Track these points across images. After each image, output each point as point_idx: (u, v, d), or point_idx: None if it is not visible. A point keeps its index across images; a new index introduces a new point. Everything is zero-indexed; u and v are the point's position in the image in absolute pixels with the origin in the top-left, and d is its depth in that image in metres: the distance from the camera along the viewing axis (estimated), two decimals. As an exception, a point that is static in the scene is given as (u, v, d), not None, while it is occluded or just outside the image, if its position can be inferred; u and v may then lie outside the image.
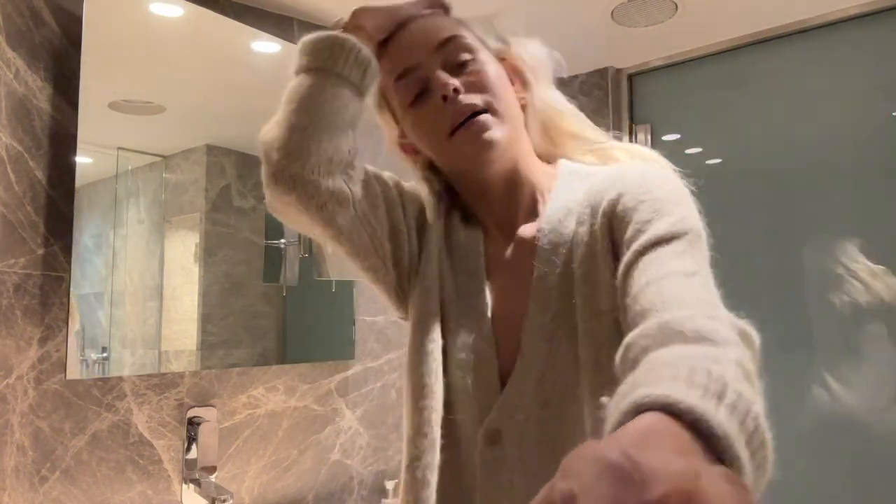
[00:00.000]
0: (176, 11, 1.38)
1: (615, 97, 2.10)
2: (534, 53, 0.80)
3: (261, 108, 0.83)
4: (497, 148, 0.73)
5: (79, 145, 1.22)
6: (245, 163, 1.51)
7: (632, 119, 2.10)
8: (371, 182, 0.79)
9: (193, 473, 1.35)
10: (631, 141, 2.08)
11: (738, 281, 2.07)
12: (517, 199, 0.79)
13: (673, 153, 0.83)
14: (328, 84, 0.74)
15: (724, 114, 1.95)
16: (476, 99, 0.72)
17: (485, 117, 0.72)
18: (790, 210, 1.82)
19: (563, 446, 0.70)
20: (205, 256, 1.42)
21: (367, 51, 0.74)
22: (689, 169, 0.79)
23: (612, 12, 1.72)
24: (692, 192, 0.75)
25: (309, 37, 0.76)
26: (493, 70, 0.75)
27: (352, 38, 0.74)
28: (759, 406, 0.42)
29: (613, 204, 0.70)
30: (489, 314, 0.77)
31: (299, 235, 1.58)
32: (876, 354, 1.66)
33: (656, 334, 0.52)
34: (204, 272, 1.42)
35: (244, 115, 1.55)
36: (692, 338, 0.50)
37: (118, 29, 1.30)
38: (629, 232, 0.66)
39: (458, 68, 0.74)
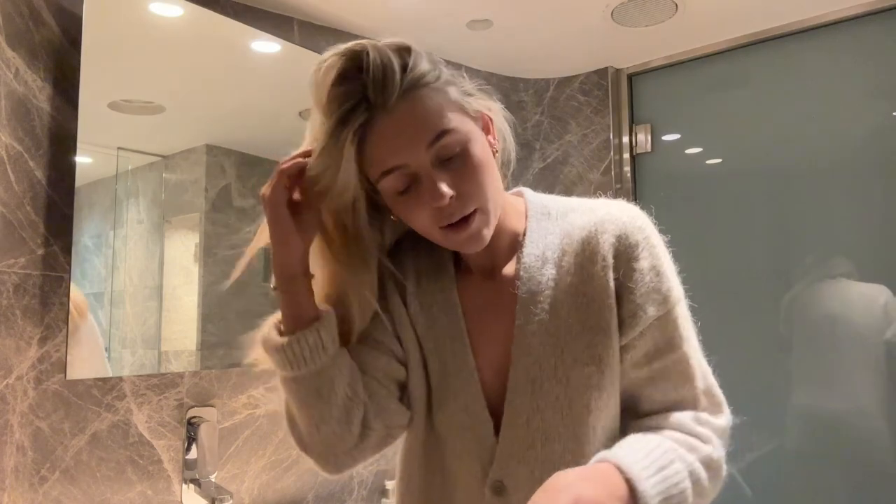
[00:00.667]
0: (176, 11, 1.38)
1: (615, 97, 2.10)
2: (488, 102, 0.78)
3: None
4: (484, 242, 0.74)
5: (79, 145, 1.22)
6: (245, 162, 1.51)
7: (632, 119, 2.10)
8: (386, 392, 0.80)
9: (193, 473, 1.35)
10: (631, 141, 2.08)
11: (737, 281, 2.08)
12: (497, 246, 0.80)
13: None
14: (306, 383, 0.74)
15: (724, 114, 1.95)
16: (469, 206, 0.71)
17: (477, 222, 0.72)
18: (790, 210, 1.82)
19: None
20: (205, 256, 1.42)
21: (318, 335, 0.73)
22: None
23: (612, 12, 1.72)
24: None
25: (269, 343, 0.76)
26: (478, 152, 0.72)
27: (299, 335, 0.73)
28: (690, 488, 0.68)
29: (612, 266, 0.76)
30: (476, 373, 0.79)
31: (299, 235, 1.58)
32: (876, 353, 1.66)
33: (660, 424, 0.75)
34: (204, 272, 1.42)
35: (244, 115, 1.55)
36: (681, 439, 0.72)
37: (118, 29, 1.30)
38: (629, 306, 0.75)
39: (448, 162, 0.70)
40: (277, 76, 1.58)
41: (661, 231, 0.80)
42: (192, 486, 1.33)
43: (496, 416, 0.77)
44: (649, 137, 2.06)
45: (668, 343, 0.76)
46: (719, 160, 1.96)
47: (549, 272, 0.78)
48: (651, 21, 1.78)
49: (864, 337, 1.67)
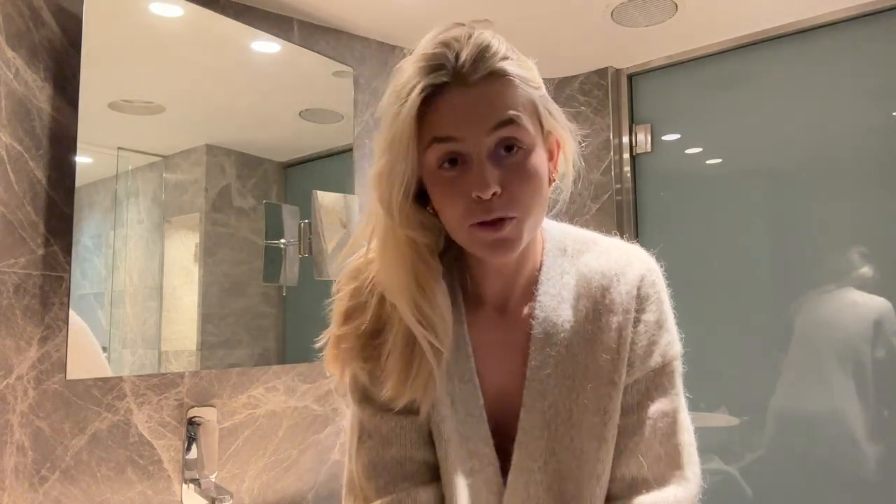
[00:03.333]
0: (176, 11, 1.38)
1: (615, 97, 2.10)
2: (565, 133, 0.75)
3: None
4: (511, 254, 0.71)
5: (79, 145, 1.22)
6: (245, 163, 1.51)
7: (632, 119, 2.10)
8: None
9: (193, 473, 1.35)
10: (631, 141, 2.08)
11: (736, 281, 2.08)
12: (516, 277, 0.78)
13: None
14: None
15: (724, 114, 1.95)
16: (510, 209, 0.67)
17: (511, 229, 0.68)
18: (790, 210, 1.82)
19: None
20: (205, 256, 1.42)
21: None
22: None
23: (612, 12, 1.72)
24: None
25: None
26: (537, 163, 0.69)
27: None
28: None
29: (630, 319, 0.76)
30: (485, 415, 0.76)
31: (299, 235, 1.58)
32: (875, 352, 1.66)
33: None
34: (204, 272, 1.42)
35: (244, 115, 1.55)
36: None
37: (118, 29, 1.30)
38: (631, 355, 0.76)
39: (504, 157, 0.68)
40: (277, 76, 1.58)
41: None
42: (192, 486, 1.33)
43: (501, 458, 0.76)
44: (649, 137, 2.06)
45: (661, 391, 0.77)
46: (719, 160, 1.96)
47: (566, 314, 0.77)
48: (651, 21, 1.78)
49: (854, 346, 1.68)
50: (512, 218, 0.68)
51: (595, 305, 0.76)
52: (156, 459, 1.33)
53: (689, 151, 2.02)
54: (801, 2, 1.70)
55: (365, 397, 0.78)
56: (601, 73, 2.10)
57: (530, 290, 0.78)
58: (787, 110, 1.83)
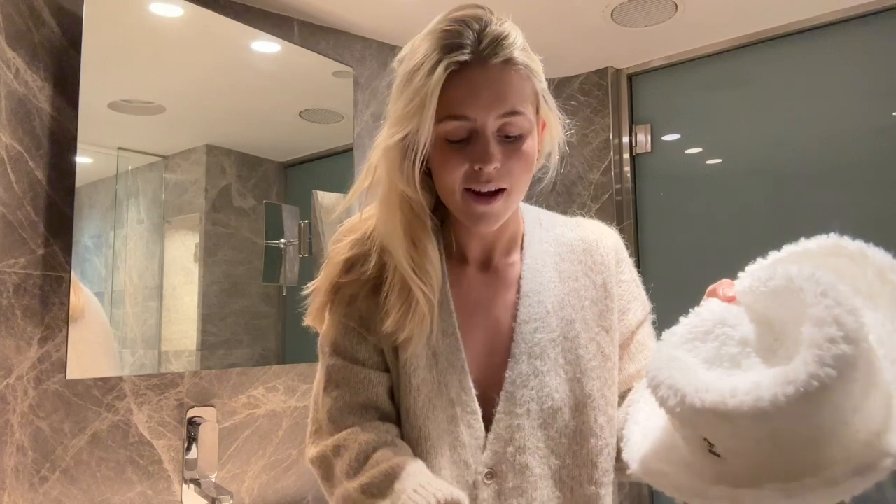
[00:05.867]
0: (176, 11, 1.38)
1: (615, 97, 2.10)
2: (554, 118, 0.83)
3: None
4: (494, 226, 0.80)
5: (79, 145, 1.22)
6: (245, 163, 1.51)
7: (632, 119, 2.10)
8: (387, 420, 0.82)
9: (193, 473, 1.35)
10: (631, 141, 2.08)
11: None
12: (499, 238, 0.86)
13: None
14: None
15: (724, 114, 1.95)
16: (504, 181, 0.76)
17: (500, 203, 0.76)
18: (790, 210, 1.82)
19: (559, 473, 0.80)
20: (205, 256, 1.42)
21: None
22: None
23: (612, 12, 1.72)
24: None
25: None
26: (531, 147, 0.78)
27: None
28: None
29: (612, 275, 0.87)
30: (467, 367, 0.81)
31: (299, 235, 1.58)
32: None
33: None
34: (204, 272, 1.42)
35: (244, 115, 1.55)
36: None
37: (118, 29, 1.30)
38: (627, 316, 0.88)
39: (505, 139, 0.76)
40: (277, 76, 1.58)
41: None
42: (192, 486, 1.33)
43: (483, 408, 0.80)
44: (649, 137, 2.06)
45: (648, 336, 0.89)
46: (719, 160, 1.96)
47: (550, 275, 0.85)
48: (651, 21, 1.78)
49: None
50: (503, 190, 0.76)
51: (579, 266, 0.87)
52: (156, 459, 1.33)
53: (689, 151, 2.02)
54: (801, 2, 1.70)
55: (338, 349, 0.83)
56: (601, 73, 2.10)
57: (513, 253, 0.87)
58: (787, 110, 1.83)
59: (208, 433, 1.35)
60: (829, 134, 1.76)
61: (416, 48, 0.76)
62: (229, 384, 1.45)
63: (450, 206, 0.80)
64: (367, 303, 0.82)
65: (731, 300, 0.70)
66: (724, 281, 0.73)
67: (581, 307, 0.84)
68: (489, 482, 0.78)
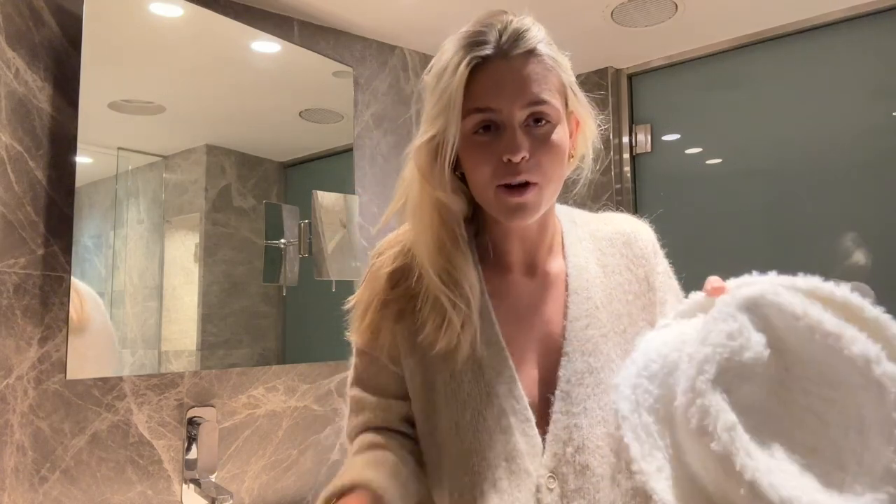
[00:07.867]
0: (176, 11, 1.38)
1: (615, 97, 2.10)
2: (586, 113, 0.82)
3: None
4: (530, 219, 0.78)
5: (79, 145, 1.22)
6: (245, 163, 1.51)
7: (632, 119, 2.10)
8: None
9: (193, 473, 1.35)
10: (631, 141, 2.08)
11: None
12: (541, 240, 0.85)
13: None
14: None
15: (724, 114, 1.95)
16: (534, 174, 0.75)
17: (533, 195, 0.75)
18: (790, 210, 1.82)
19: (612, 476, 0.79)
20: (205, 256, 1.42)
21: None
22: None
23: (612, 12, 1.72)
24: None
25: None
26: (561, 137, 0.77)
27: None
28: None
29: (652, 268, 0.88)
30: (516, 374, 0.79)
31: (299, 235, 1.58)
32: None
33: None
34: (204, 272, 1.42)
35: (244, 115, 1.55)
36: None
37: (118, 29, 1.30)
38: (665, 308, 0.86)
39: (533, 128, 0.75)
40: (277, 76, 1.58)
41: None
42: (192, 486, 1.33)
43: (540, 411, 0.79)
44: (649, 137, 2.06)
45: None
46: (719, 160, 1.96)
47: (594, 270, 0.85)
48: (651, 21, 1.78)
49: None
50: (535, 184, 0.75)
51: (621, 259, 0.87)
52: (156, 459, 1.33)
53: (689, 151, 2.02)
54: (801, 2, 1.70)
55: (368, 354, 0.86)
56: (601, 73, 2.10)
57: (556, 253, 0.86)
58: (787, 110, 1.83)
59: (208, 433, 1.35)
60: (829, 134, 1.76)
61: (442, 52, 0.78)
62: (229, 384, 1.45)
63: (484, 204, 0.79)
64: (413, 318, 0.81)
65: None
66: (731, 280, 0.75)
67: (627, 301, 0.84)
68: (552, 486, 0.76)
